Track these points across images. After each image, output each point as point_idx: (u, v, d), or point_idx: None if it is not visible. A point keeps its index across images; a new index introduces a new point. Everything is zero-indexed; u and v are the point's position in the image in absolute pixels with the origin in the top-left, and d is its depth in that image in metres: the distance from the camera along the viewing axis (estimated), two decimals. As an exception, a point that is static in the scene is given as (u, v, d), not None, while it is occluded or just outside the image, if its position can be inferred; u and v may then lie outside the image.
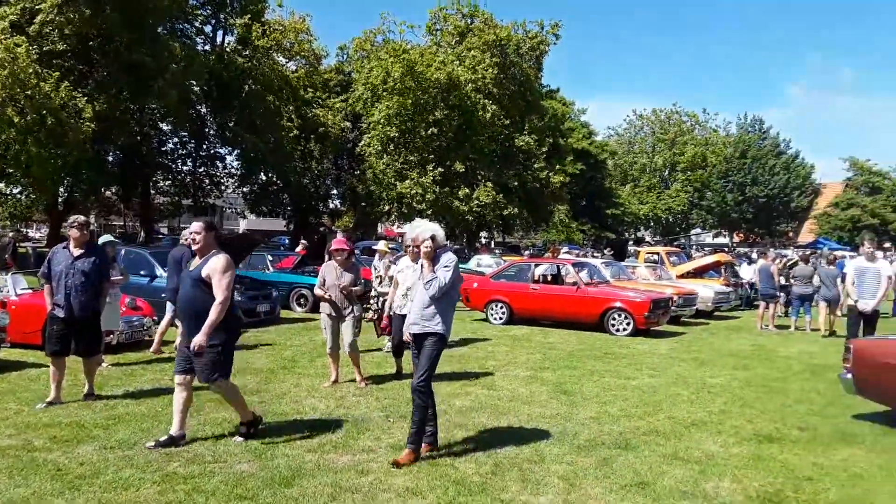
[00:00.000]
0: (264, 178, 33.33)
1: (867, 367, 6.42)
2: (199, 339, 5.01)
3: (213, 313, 5.05)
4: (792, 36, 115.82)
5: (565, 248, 28.89)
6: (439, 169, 29.51)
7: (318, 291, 7.78)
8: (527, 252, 33.93)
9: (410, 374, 7.73)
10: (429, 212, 30.45)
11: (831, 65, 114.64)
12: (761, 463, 5.31)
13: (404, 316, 7.27)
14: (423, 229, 5.24)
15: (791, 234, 59.57)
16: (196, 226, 5.37)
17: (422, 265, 5.24)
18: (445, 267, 5.12)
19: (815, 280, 14.39)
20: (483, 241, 40.88)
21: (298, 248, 19.69)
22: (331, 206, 38.56)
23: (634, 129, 59.21)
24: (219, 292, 5.10)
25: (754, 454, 5.53)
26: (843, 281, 12.15)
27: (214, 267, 5.16)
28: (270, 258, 16.31)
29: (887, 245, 47.66)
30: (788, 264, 17.39)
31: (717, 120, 65.26)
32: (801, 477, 5.01)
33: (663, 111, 57.87)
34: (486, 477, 4.82)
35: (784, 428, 6.34)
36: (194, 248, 5.36)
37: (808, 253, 16.88)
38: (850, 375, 6.56)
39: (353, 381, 7.75)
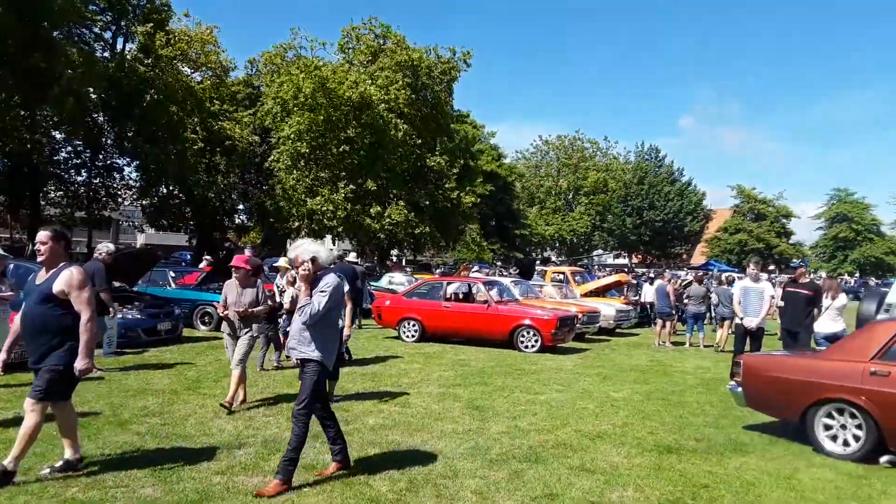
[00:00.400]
0: (165, 190, 32.02)
1: (756, 381, 6.89)
2: (81, 363, 4.65)
3: (86, 332, 4.69)
4: (685, 70, 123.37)
5: (476, 267, 29.36)
6: (351, 186, 29.39)
7: (220, 310, 7.50)
8: (438, 270, 34.17)
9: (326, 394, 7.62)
10: (340, 229, 30.29)
11: (720, 98, 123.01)
12: (662, 472, 5.58)
13: None
14: (304, 250, 4.95)
15: (684, 256, 63.04)
16: (42, 235, 4.87)
17: (300, 288, 4.98)
18: (322, 292, 4.83)
19: (714, 298, 15.34)
20: (394, 259, 40.89)
21: (203, 264, 19.02)
22: (237, 221, 37.49)
23: (541, 153, 61.11)
24: (84, 309, 4.72)
25: (655, 464, 5.81)
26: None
27: (70, 282, 4.73)
28: (173, 274, 15.65)
29: (772, 267, 51.35)
30: (683, 285, 18.44)
31: (617, 147, 68.30)
32: (698, 485, 5.30)
33: (567, 137, 60.12)
34: (400, 494, 4.82)
35: (682, 439, 6.70)
36: (40, 259, 4.87)
37: (700, 274, 17.91)
38: (740, 389, 7.02)
39: (264, 400, 7.57)
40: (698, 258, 63.18)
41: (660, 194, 56.12)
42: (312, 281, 4.92)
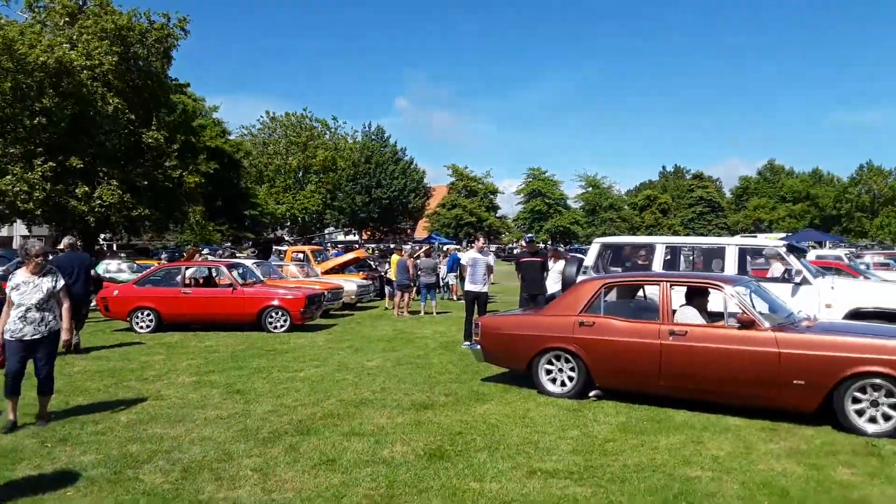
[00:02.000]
0: None
1: (491, 339, 7.89)
2: None
3: None
4: (400, 54, 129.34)
5: (205, 250, 27.93)
6: (51, 164, 25.76)
7: None
8: (164, 255, 31.72)
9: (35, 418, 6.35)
10: (38, 212, 26.50)
11: (431, 82, 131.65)
12: (422, 426, 6.20)
13: (21, 343, 6.14)
14: None
15: (409, 231, 66.86)
16: None
17: None
18: None
19: (442, 271, 16.74)
20: (103, 244, 36.85)
21: None
22: None
23: (268, 130, 59.72)
24: None
25: (415, 420, 6.41)
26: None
27: None
28: None
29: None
30: (415, 256, 19.78)
31: (345, 127, 69.62)
32: (453, 433, 6.00)
33: (295, 115, 59.64)
34: (176, 483, 4.71)
35: (434, 396, 7.43)
36: None
37: (429, 247, 19.39)
38: (479, 346, 7.97)
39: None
40: (421, 232, 67.48)
41: (386, 173, 58.47)
42: None
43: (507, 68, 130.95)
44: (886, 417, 5.82)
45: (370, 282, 18.59)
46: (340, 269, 19.62)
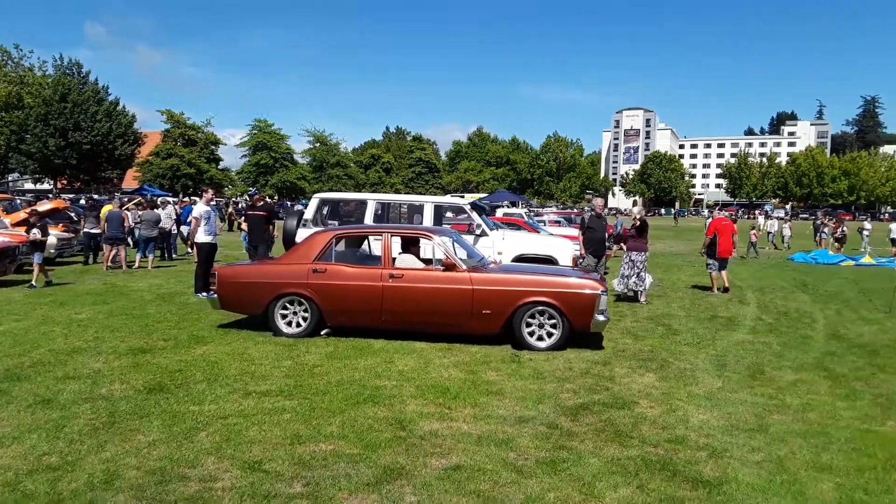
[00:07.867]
0: None
1: (228, 287, 8.31)
2: None
3: None
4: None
5: None
6: None
7: None
8: None
9: None
10: None
11: (128, 10, 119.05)
12: (141, 368, 6.52)
13: None
14: None
15: (116, 180, 60.80)
16: None
17: None
18: None
19: (167, 223, 16.21)
20: None
21: None
22: None
23: (-73, 54, 49.36)
24: None
25: (133, 363, 6.70)
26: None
27: None
28: None
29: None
30: (128, 208, 18.68)
31: (31, 58, 60.22)
32: (173, 371, 6.43)
33: (-35, 38, 50.01)
34: None
35: (152, 341, 7.70)
36: None
37: (151, 199, 18.49)
38: (215, 295, 8.33)
39: None
40: (131, 182, 61.90)
41: (86, 114, 52.05)
42: None
43: (225, 10, 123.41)
44: (549, 335, 7.62)
45: (73, 235, 17.15)
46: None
